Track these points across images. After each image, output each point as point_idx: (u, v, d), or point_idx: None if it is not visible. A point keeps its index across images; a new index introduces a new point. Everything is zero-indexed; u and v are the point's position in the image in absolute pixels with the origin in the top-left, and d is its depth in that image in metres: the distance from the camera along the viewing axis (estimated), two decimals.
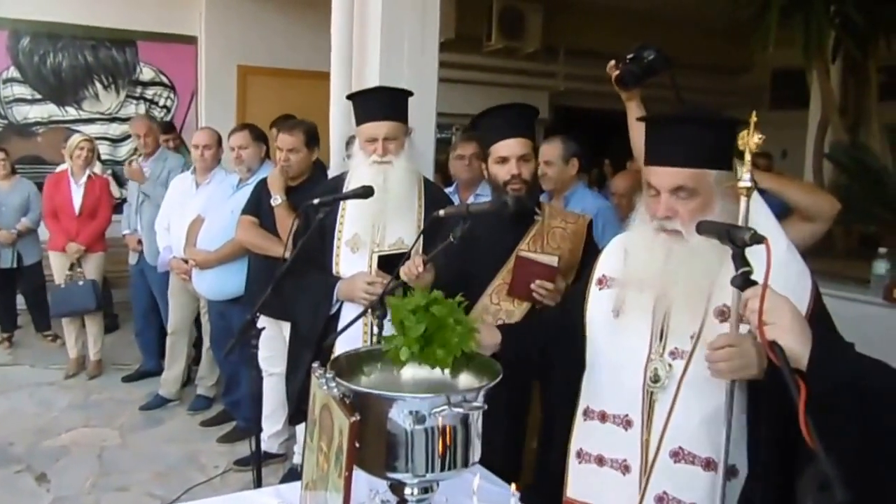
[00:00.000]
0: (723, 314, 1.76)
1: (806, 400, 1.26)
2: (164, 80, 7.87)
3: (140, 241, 5.48)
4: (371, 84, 4.44)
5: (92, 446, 4.59)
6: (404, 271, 2.44)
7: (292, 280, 2.96)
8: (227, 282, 4.44)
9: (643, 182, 1.85)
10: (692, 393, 1.77)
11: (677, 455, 1.79)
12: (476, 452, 1.76)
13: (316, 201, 2.70)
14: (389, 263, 2.79)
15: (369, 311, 2.55)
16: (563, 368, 2.08)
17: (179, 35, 7.84)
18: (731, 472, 1.73)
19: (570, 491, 1.99)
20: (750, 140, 1.67)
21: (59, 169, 6.15)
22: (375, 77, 4.34)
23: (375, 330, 2.72)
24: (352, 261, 2.93)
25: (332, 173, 4.15)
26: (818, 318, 1.70)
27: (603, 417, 1.92)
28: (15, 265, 6.25)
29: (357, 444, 1.69)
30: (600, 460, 1.92)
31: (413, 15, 4.39)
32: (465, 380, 1.87)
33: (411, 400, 1.70)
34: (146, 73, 7.78)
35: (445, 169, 5.12)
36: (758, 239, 1.51)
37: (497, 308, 2.63)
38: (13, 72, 7.33)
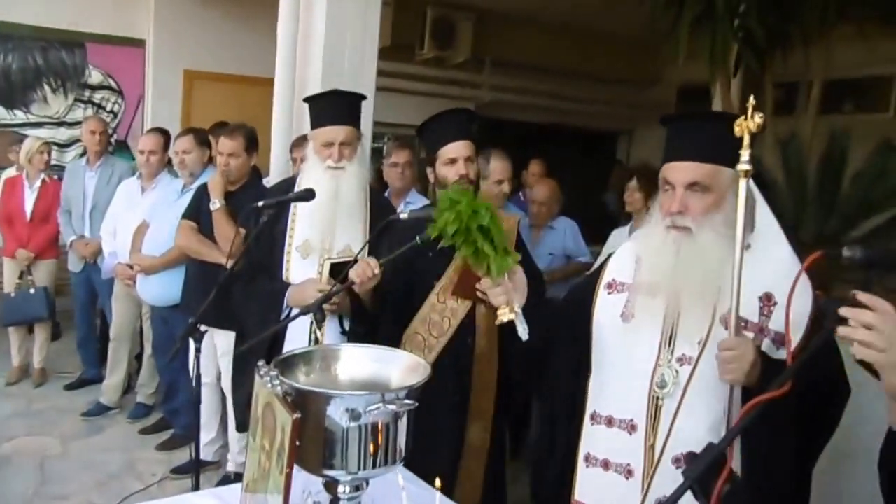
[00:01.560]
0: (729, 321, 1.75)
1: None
2: (112, 84, 7.78)
3: (88, 246, 5.39)
4: (312, 90, 4.48)
5: (34, 455, 4.55)
6: (358, 273, 2.50)
7: (240, 286, 3.01)
8: (171, 288, 4.44)
9: (660, 181, 1.89)
10: (697, 400, 1.78)
11: (679, 461, 1.79)
12: (404, 450, 1.81)
13: (259, 204, 2.73)
14: (340, 271, 2.82)
15: (311, 315, 2.59)
16: (564, 370, 2.10)
17: (128, 38, 7.76)
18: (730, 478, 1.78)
19: (578, 494, 2.00)
20: (750, 122, 1.66)
21: (5, 173, 6.03)
22: (318, 84, 4.38)
23: (318, 335, 2.79)
24: (302, 267, 2.94)
25: (273, 178, 4.18)
26: (816, 325, 1.74)
27: (609, 422, 1.92)
28: None
29: (297, 442, 1.74)
30: (606, 464, 1.93)
31: (355, 24, 4.46)
32: (398, 379, 1.92)
33: (348, 397, 1.76)
34: (95, 77, 7.69)
35: (381, 177, 5.14)
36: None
37: (443, 306, 2.73)
38: None
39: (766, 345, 1.77)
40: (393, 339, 2.73)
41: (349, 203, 2.88)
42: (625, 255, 2.05)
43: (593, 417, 1.97)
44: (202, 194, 4.11)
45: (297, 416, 1.66)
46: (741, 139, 1.68)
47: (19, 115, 7.41)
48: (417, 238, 2.29)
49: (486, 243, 1.91)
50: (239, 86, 7.75)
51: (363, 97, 3.06)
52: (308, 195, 2.75)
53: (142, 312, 5.14)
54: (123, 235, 4.80)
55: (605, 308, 1.99)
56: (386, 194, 4.56)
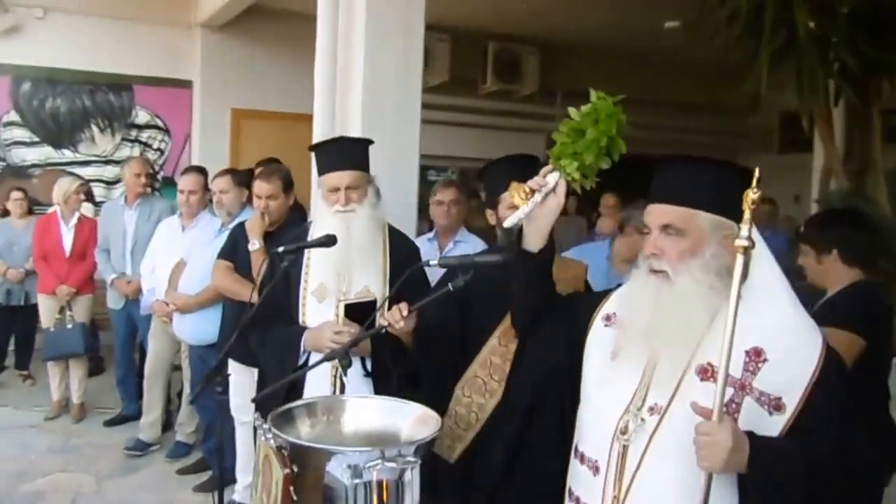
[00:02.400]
0: (705, 372, 1.68)
1: None
2: (160, 123, 8.00)
3: (130, 285, 5.48)
4: (353, 126, 4.51)
5: (67, 492, 4.59)
6: (388, 317, 2.47)
7: (259, 331, 3.00)
8: (208, 326, 4.45)
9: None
10: (660, 454, 1.69)
11: None
12: None
13: (280, 249, 2.73)
14: (356, 312, 2.82)
15: (336, 360, 2.54)
16: (553, 398, 2.08)
17: (175, 79, 8.00)
18: None
19: None
20: (749, 194, 1.59)
21: (50, 211, 6.19)
22: (357, 120, 4.41)
23: (343, 380, 2.74)
24: (318, 310, 2.93)
25: (313, 216, 4.18)
26: (825, 384, 1.63)
27: (582, 459, 1.87)
28: (22, 304, 6.31)
29: (295, 497, 1.69)
30: (577, 501, 1.88)
31: (396, 58, 4.46)
32: (408, 433, 1.86)
33: (347, 453, 1.70)
34: (142, 117, 7.92)
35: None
36: None
37: (504, 349, 2.69)
38: (13, 115, 7.50)
39: (748, 405, 1.65)
40: (441, 380, 2.72)
41: (361, 245, 2.86)
42: (624, 290, 1.97)
43: (575, 450, 1.92)
44: (239, 234, 4.13)
45: (287, 471, 1.62)
46: (730, 188, 1.65)
47: (67, 154, 7.67)
48: (450, 285, 2.27)
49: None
50: (286, 123, 7.86)
51: (370, 141, 3.07)
52: (329, 241, 2.75)
53: (180, 350, 5.16)
54: (162, 273, 4.86)
55: (598, 340, 1.92)
56: (432, 232, 4.59)
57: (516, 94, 9.06)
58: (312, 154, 4.40)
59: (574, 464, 1.91)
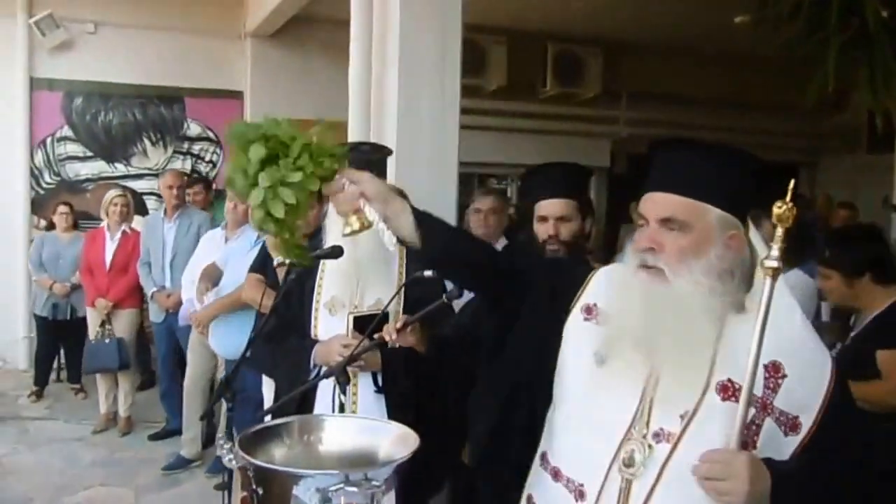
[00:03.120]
0: (726, 390, 1.49)
1: None
2: (211, 134, 8.11)
3: (170, 298, 5.54)
4: (389, 133, 4.44)
5: None
6: (386, 331, 2.45)
7: (272, 344, 2.97)
8: (244, 339, 4.39)
9: (635, 216, 1.69)
10: (676, 489, 1.48)
11: None
12: None
13: (286, 261, 2.68)
14: (366, 325, 2.73)
15: (334, 377, 2.47)
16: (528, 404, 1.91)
17: (226, 90, 8.10)
18: None
19: None
20: (778, 208, 1.42)
21: (102, 225, 6.33)
22: (394, 125, 4.35)
23: (342, 398, 2.67)
24: (330, 323, 2.88)
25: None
26: (838, 403, 1.51)
27: (556, 475, 1.68)
28: (69, 318, 6.45)
29: None
30: None
31: (432, 61, 4.38)
32: (386, 453, 1.75)
33: (310, 477, 1.60)
34: (193, 129, 8.06)
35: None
36: None
37: None
38: (66, 130, 7.70)
39: (767, 427, 1.49)
40: (460, 390, 2.61)
41: (374, 258, 2.78)
42: (609, 277, 1.74)
43: (543, 459, 1.72)
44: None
45: (244, 494, 1.54)
46: (743, 184, 1.49)
47: (119, 168, 7.85)
48: (444, 296, 2.27)
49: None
50: (340, 131, 7.86)
51: (388, 152, 3.05)
52: (336, 252, 2.70)
53: (217, 364, 5.17)
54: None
55: (579, 336, 1.70)
56: None
57: (578, 97, 8.88)
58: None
59: (541, 474, 1.72)
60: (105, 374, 5.91)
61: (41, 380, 6.73)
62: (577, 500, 1.61)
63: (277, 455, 1.76)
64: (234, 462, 1.63)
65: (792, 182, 1.45)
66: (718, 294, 1.49)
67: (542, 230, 2.70)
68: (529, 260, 2.36)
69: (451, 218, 4.48)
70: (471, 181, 8.26)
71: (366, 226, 1.72)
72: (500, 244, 4.36)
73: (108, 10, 7.52)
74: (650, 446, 1.51)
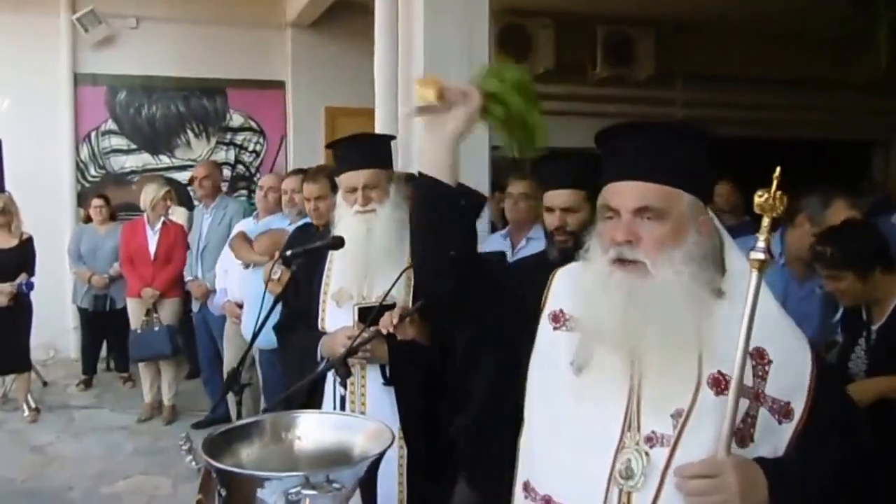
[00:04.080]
0: (718, 384, 1.43)
1: None
2: (254, 125, 8.24)
3: (199, 287, 5.67)
4: (416, 121, 4.42)
5: (143, 495, 4.77)
6: (382, 324, 2.47)
7: (281, 336, 3.01)
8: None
9: (598, 207, 1.57)
10: (679, 498, 1.40)
11: None
12: None
13: (287, 253, 2.71)
14: (373, 316, 2.73)
15: (333, 370, 2.49)
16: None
17: (267, 81, 8.21)
18: None
19: None
20: (766, 199, 1.38)
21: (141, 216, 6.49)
22: None
23: (340, 391, 2.67)
24: (337, 315, 2.87)
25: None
26: (825, 386, 1.48)
27: (534, 498, 1.56)
28: (107, 309, 6.64)
29: None
30: None
31: (459, 44, 4.35)
32: (361, 450, 1.74)
33: (273, 480, 1.60)
34: (236, 120, 8.19)
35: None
36: None
37: None
38: (111, 124, 7.92)
39: (762, 417, 1.44)
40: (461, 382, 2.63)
41: (384, 247, 2.77)
42: (570, 279, 1.64)
43: (526, 489, 1.59)
44: (296, 236, 4.13)
45: (200, 496, 1.55)
46: (706, 164, 1.44)
47: (164, 160, 8.03)
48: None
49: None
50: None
51: (391, 137, 3.06)
52: (338, 243, 2.70)
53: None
54: (234, 273, 4.96)
55: (549, 347, 1.60)
56: (506, 229, 4.45)
57: (630, 79, 8.69)
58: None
59: None
60: (148, 364, 6.06)
61: (89, 369, 6.95)
62: None
63: (248, 455, 1.76)
64: (193, 463, 1.64)
65: (778, 169, 1.38)
66: (699, 280, 1.44)
67: (549, 221, 2.70)
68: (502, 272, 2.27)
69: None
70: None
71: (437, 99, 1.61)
72: (535, 230, 4.27)
73: (149, 5, 7.71)
74: (646, 453, 1.43)
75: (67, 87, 7.64)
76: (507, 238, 4.35)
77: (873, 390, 2.63)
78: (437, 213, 1.63)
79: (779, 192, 1.38)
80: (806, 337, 1.51)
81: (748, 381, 1.42)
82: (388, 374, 2.79)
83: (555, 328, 1.61)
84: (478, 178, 4.32)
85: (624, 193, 1.49)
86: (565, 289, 1.63)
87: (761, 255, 1.36)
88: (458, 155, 1.63)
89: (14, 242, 5.94)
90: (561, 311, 1.61)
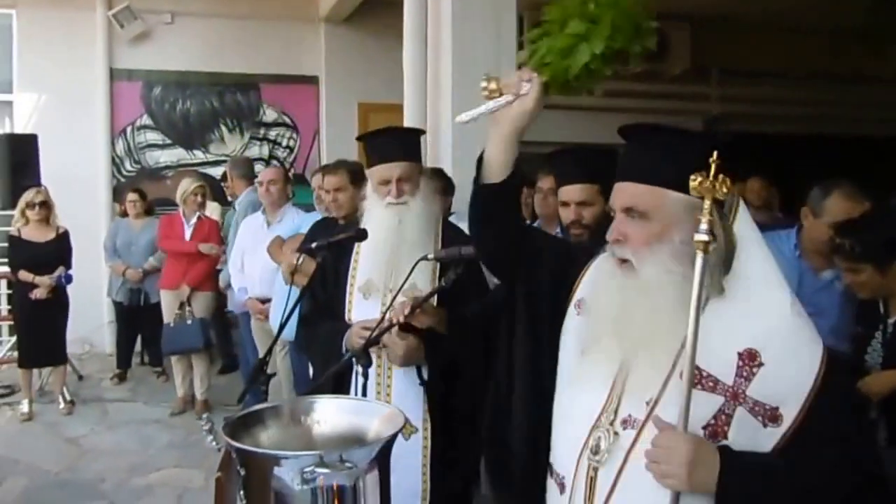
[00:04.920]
0: (694, 378, 1.48)
1: None
2: (287, 120, 8.35)
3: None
4: (445, 114, 4.46)
5: (175, 487, 4.86)
6: (394, 314, 2.50)
7: (307, 328, 3.03)
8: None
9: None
10: (638, 475, 1.49)
11: None
12: None
13: (312, 245, 2.75)
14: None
15: (354, 359, 2.52)
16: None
17: (301, 76, 8.32)
18: None
19: None
20: (711, 185, 1.43)
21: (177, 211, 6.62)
22: (448, 106, 4.36)
23: (363, 380, 2.71)
24: (364, 307, 2.90)
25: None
26: (828, 394, 1.46)
27: (551, 470, 1.72)
28: (142, 303, 6.79)
29: (244, 502, 1.68)
30: None
31: (486, 37, 4.38)
32: (375, 434, 1.78)
33: (289, 458, 1.65)
34: (269, 115, 8.32)
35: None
36: None
37: None
38: (146, 119, 8.10)
39: (741, 417, 1.45)
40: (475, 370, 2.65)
41: (413, 240, 2.80)
42: (596, 269, 1.77)
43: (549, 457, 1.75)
44: (316, 229, 4.19)
45: (219, 473, 1.60)
46: (702, 160, 1.45)
47: (198, 155, 8.18)
48: (442, 280, 2.33)
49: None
50: None
51: (422, 132, 3.09)
52: (362, 234, 2.73)
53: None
54: (251, 270, 5.04)
55: (570, 329, 1.76)
56: (536, 223, 4.47)
57: (664, 74, 8.62)
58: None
59: (549, 480, 1.74)
60: (180, 358, 6.18)
61: (123, 363, 7.10)
62: (561, 493, 1.64)
63: (267, 437, 1.81)
64: (214, 444, 1.70)
65: (715, 154, 1.44)
66: (691, 280, 1.46)
67: (564, 215, 2.73)
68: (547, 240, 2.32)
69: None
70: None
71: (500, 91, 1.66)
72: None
73: (184, 0, 7.85)
74: (616, 433, 1.53)
75: (103, 83, 7.82)
76: None
77: (889, 383, 2.63)
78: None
79: (721, 175, 1.43)
80: (821, 343, 1.49)
81: (728, 379, 1.47)
82: (424, 376, 2.83)
83: (577, 313, 1.75)
84: None
85: (617, 194, 1.61)
86: (590, 278, 1.75)
87: (704, 237, 1.41)
88: (517, 149, 1.71)
89: (51, 236, 6.09)
90: (582, 299, 1.74)
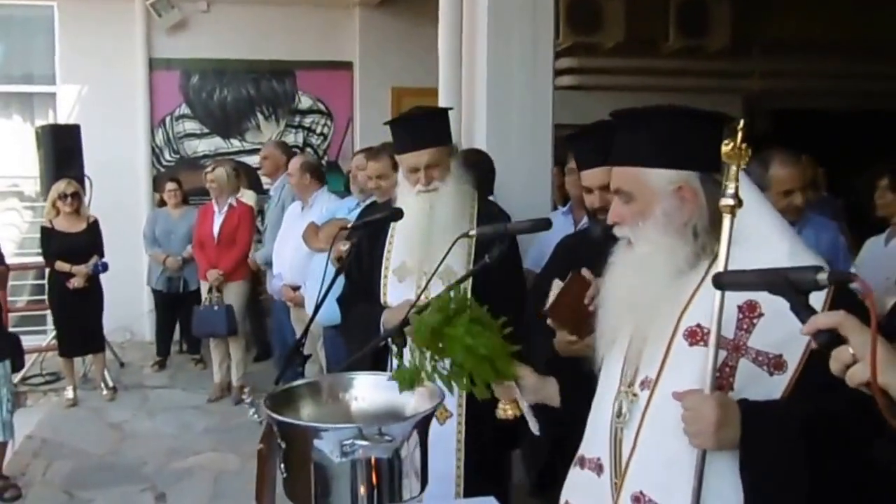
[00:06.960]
0: (694, 336, 1.60)
1: None
2: (322, 107, 8.45)
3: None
4: (480, 98, 4.49)
5: (212, 470, 5.02)
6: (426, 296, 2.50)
7: (344, 310, 3.10)
8: (335, 307, 4.61)
9: None
10: (654, 429, 1.62)
11: (638, 501, 1.62)
12: (411, 489, 1.74)
13: (347, 227, 2.79)
14: None
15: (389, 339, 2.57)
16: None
17: (335, 62, 8.41)
18: None
19: None
20: (732, 148, 1.53)
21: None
22: (483, 90, 4.39)
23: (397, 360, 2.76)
24: (398, 290, 2.95)
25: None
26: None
27: (582, 463, 1.78)
28: (181, 291, 6.95)
29: (285, 474, 1.76)
30: None
31: (523, 19, 4.39)
32: (413, 409, 1.85)
33: (328, 430, 1.72)
34: (304, 102, 8.43)
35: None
36: (841, 279, 1.33)
37: None
38: (184, 108, 8.25)
39: (744, 368, 1.54)
40: None
41: (445, 224, 2.81)
42: None
43: (576, 461, 1.83)
44: (364, 214, 4.26)
45: (261, 446, 1.68)
46: (683, 135, 1.61)
47: (235, 144, 8.32)
48: (486, 257, 2.24)
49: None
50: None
51: (447, 111, 3.07)
52: (397, 214, 2.76)
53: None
54: (282, 256, 5.18)
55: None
56: (566, 206, 4.47)
57: (704, 50, 8.50)
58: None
59: (574, 472, 1.81)
60: (218, 345, 6.32)
61: (163, 350, 7.28)
62: (598, 475, 1.71)
63: (307, 412, 1.89)
64: (256, 416, 1.78)
65: (741, 122, 1.54)
66: (680, 248, 1.60)
67: (589, 201, 2.64)
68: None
69: (545, 181, 4.51)
70: None
71: (517, 415, 1.94)
72: None
73: None
74: (635, 395, 1.65)
75: (143, 73, 7.99)
76: (568, 215, 4.36)
77: None
78: None
79: (744, 144, 1.52)
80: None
81: (729, 333, 1.55)
82: None
83: None
84: (538, 159, 4.40)
85: (611, 178, 1.75)
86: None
87: (731, 202, 1.50)
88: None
89: (83, 226, 6.23)
90: None
